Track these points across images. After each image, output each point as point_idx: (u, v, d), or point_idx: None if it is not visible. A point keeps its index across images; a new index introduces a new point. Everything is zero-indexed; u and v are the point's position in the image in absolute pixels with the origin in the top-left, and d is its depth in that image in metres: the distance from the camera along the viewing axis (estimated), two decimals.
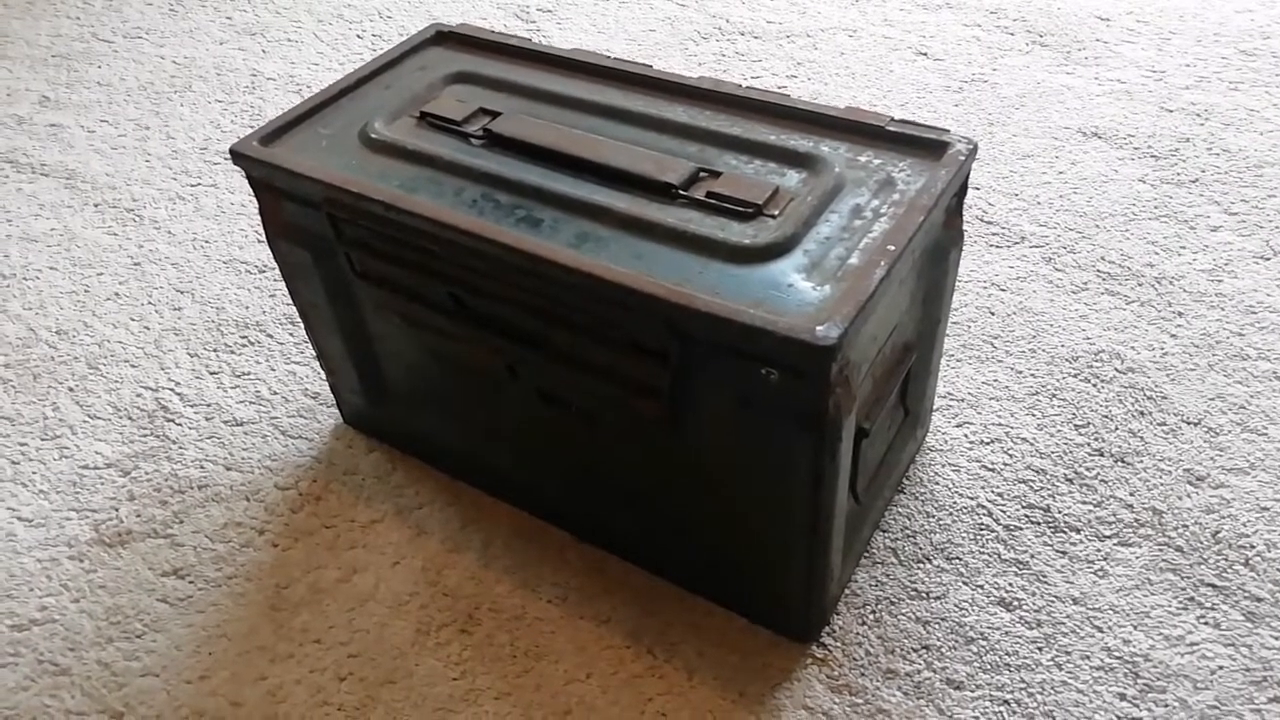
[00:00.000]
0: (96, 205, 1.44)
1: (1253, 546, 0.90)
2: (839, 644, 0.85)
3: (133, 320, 1.24)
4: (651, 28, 1.77)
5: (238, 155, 0.85)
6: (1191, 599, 0.86)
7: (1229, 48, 1.58)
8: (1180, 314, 1.13)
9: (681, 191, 0.77)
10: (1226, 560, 0.89)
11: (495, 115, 0.87)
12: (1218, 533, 0.91)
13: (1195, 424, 1.01)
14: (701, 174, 0.79)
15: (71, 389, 1.15)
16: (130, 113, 1.64)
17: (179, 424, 1.10)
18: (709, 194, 0.76)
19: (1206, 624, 0.84)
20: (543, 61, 0.95)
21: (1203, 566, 0.89)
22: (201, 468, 1.05)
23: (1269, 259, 1.19)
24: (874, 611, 0.87)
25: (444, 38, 1.00)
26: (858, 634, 0.86)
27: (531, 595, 0.90)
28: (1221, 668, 0.82)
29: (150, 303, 1.26)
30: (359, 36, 1.81)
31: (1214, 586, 0.87)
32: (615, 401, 0.78)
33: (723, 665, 0.84)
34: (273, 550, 0.96)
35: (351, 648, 0.88)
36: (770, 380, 0.67)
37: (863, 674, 0.83)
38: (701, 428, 0.75)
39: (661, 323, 0.70)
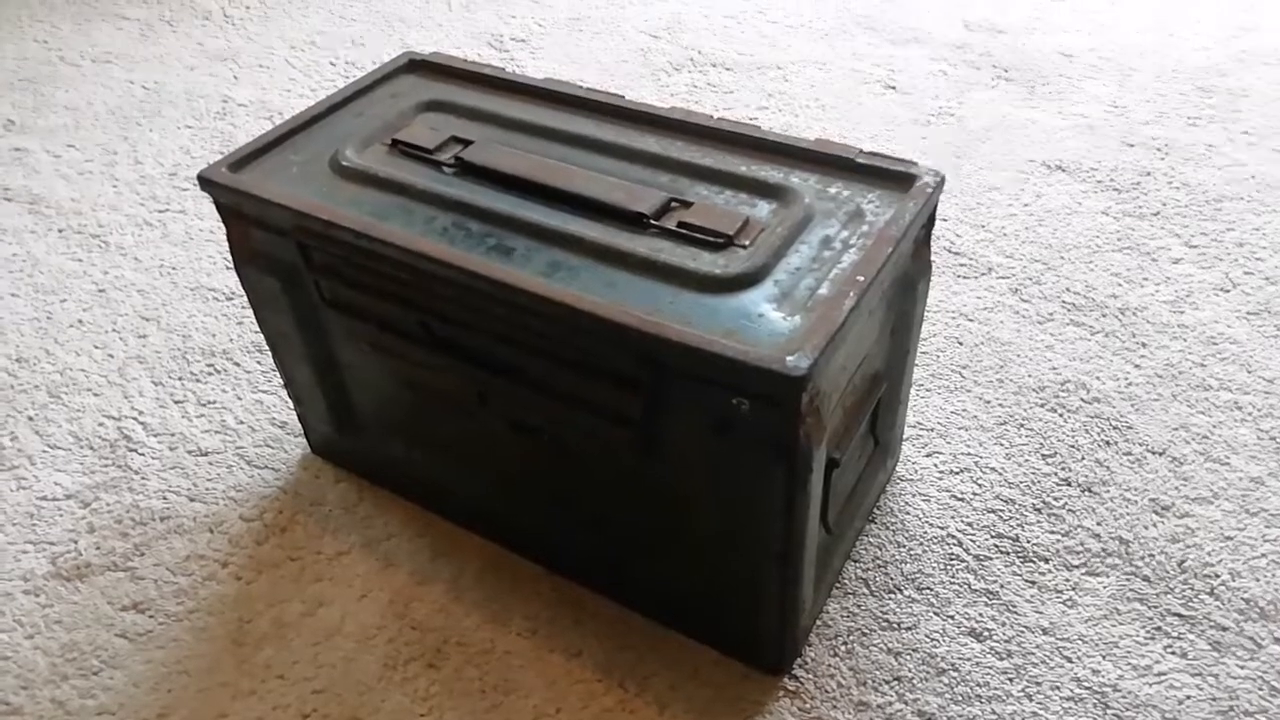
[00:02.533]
0: (61, 231, 1.42)
1: (1217, 575, 0.91)
2: (811, 676, 0.85)
3: (96, 348, 1.22)
4: (624, 58, 1.78)
5: (206, 181, 0.85)
6: (1159, 628, 0.87)
7: (1187, 84, 1.62)
8: (1144, 345, 1.15)
9: (653, 221, 0.77)
10: (1192, 590, 0.90)
11: (467, 144, 0.87)
12: (1183, 562, 0.92)
13: (1160, 454, 1.02)
14: (673, 204, 0.79)
15: (31, 418, 1.13)
16: (98, 137, 1.62)
17: (141, 454, 1.07)
18: (680, 224, 0.76)
19: (1174, 653, 0.85)
20: (515, 91, 0.95)
21: (1169, 596, 0.89)
22: (164, 499, 1.02)
23: (1228, 291, 1.21)
24: (846, 643, 0.87)
25: (417, 66, 1.00)
26: (829, 665, 0.85)
27: (501, 628, 0.89)
28: (1189, 697, 0.82)
29: (114, 330, 1.24)
30: (332, 64, 1.81)
31: (1180, 616, 0.88)
32: (586, 431, 0.78)
33: (695, 699, 0.83)
34: (236, 583, 0.94)
35: (316, 683, 0.86)
36: (741, 410, 0.67)
37: (834, 706, 0.82)
38: (673, 457, 0.74)
39: (633, 352, 0.70)
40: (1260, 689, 0.82)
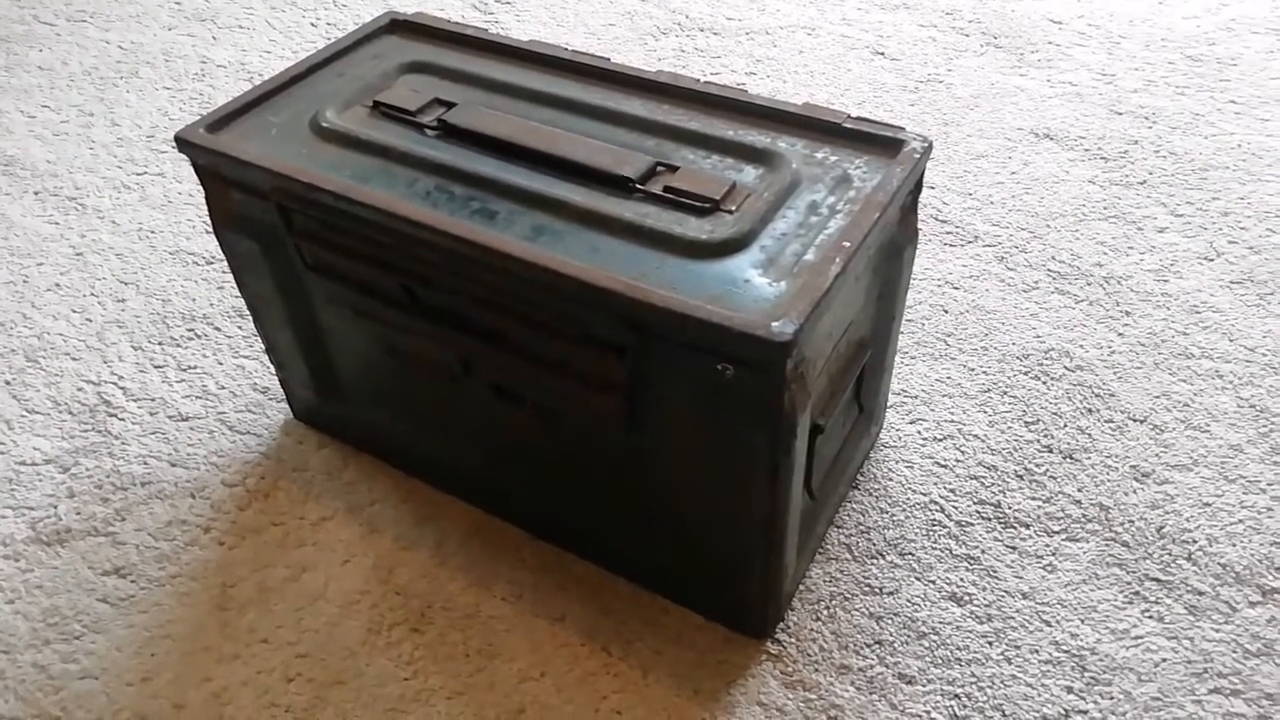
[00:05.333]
0: (37, 193, 1.39)
1: (1195, 541, 0.92)
2: (793, 640, 0.85)
3: (74, 312, 1.20)
4: (611, 22, 1.76)
5: (184, 143, 0.83)
6: (1136, 593, 0.88)
7: (1176, 53, 1.61)
8: (1128, 313, 1.15)
9: (639, 185, 0.76)
10: (1170, 555, 0.91)
11: (450, 106, 0.86)
12: (1162, 528, 0.93)
13: (1141, 421, 1.03)
14: (659, 168, 0.78)
15: (8, 382, 1.11)
16: (73, 98, 1.59)
17: (121, 419, 1.06)
18: (666, 188, 0.76)
19: (1151, 617, 0.86)
20: (499, 52, 0.94)
21: (1147, 561, 0.90)
22: (145, 464, 1.02)
23: (1212, 260, 1.22)
24: (828, 607, 0.88)
25: (399, 26, 0.98)
26: (812, 630, 0.86)
27: (485, 593, 0.89)
28: (1165, 660, 0.83)
29: (93, 294, 1.22)
30: (313, 24, 1.77)
31: (1158, 581, 0.89)
32: (570, 397, 0.78)
33: (678, 662, 0.84)
34: (219, 548, 0.94)
35: (300, 648, 0.86)
36: (726, 376, 0.67)
37: (816, 669, 0.83)
38: (657, 423, 0.74)
39: (618, 318, 0.69)
40: (1234, 651, 0.83)
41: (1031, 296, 1.18)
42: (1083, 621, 0.86)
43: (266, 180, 0.80)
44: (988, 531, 0.93)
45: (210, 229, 1.31)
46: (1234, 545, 0.91)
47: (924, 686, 0.82)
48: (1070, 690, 0.81)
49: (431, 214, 0.75)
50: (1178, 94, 1.51)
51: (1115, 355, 1.10)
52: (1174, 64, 1.59)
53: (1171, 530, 0.93)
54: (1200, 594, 0.88)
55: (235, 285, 1.21)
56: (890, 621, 0.86)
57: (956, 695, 0.81)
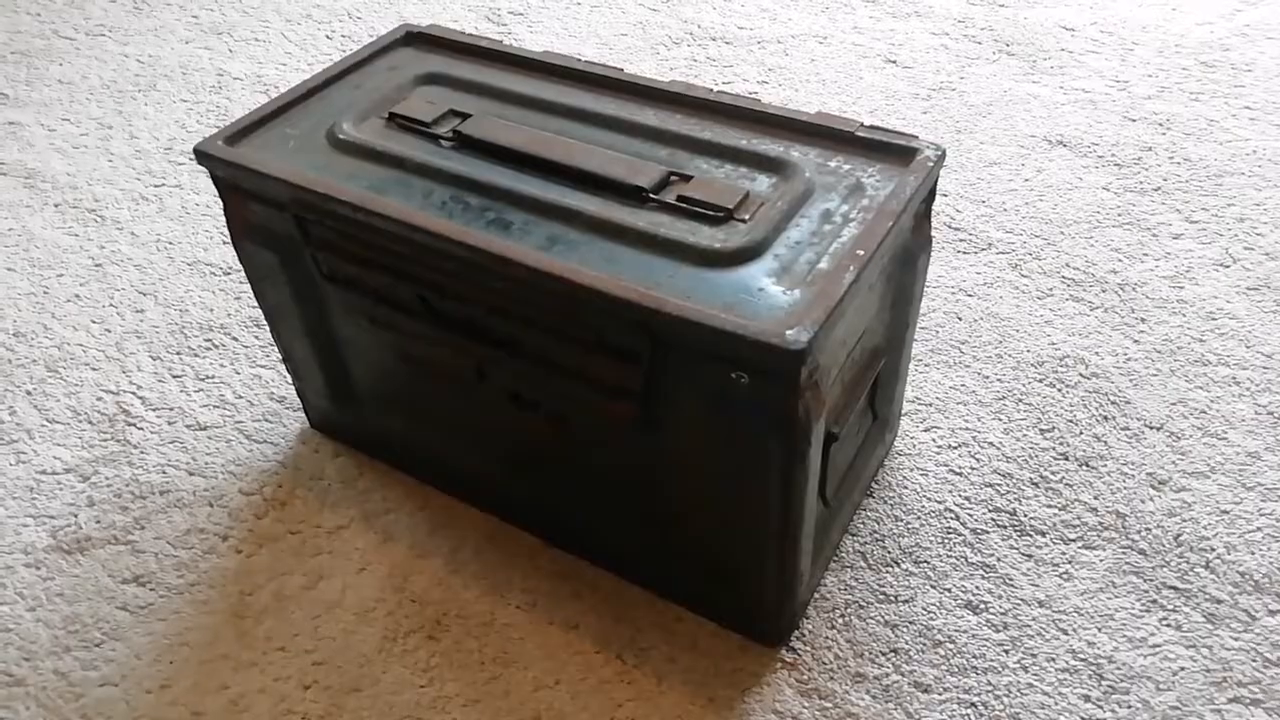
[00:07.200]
0: (57, 205, 1.41)
1: (1213, 549, 0.91)
2: (808, 648, 0.85)
3: (94, 323, 1.21)
4: (623, 32, 1.77)
5: (202, 155, 0.84)
6: (1154, 601, 0.87)
7: (1189, 59, 1.61)
8: (1143, 320, 1.15)
9: (652, 195, 0.77)
10: (1188, 563, 0.90)
11: (465, 117, 0.86)
12: (1179, 536, 0.92)
13: (1157, 428, 1.02)
14: (672, 178, 0.79)
15: (29, 392, 1.13)
16: (93, 111, 1.61)
17: (140, 428, 1.08)
18: (680, 198, 0.76)
19: (1168, 626, 0.86)
20: (513, 64, 0.95)
21: (1165, 569, 0.90)
22: (163, 473, 1.03)
23: (1228, 266, 1.21)
24: (843, 615, 0.87)
25: (414, 39, 0.99)
26: (827, 638, 0.86)
27: (500, 601, 0.90)
28: (1183, 669, 0.83)
29: (112, 305, 1.24)
30: (328, 37, 1.79)
31: (1176, 589, 0.88)
32: (585, 405, 0.78)
33: (692, 670, 0.84)
34: (236, 556, 0.95)
35: (316, 655, 0.86)
36: (740, 384, 0.68)
37: (832, 678, 0.83)
38: (671, 431, 0.75)
39: (632, 326, 0.70)
40: (1254, 660, 0.83)
41: (1046, 304, 1.17)
42: (1100, 630, 0.85)
43: (284, 192, 0.81)
44: (1003, 539, 0.93)
45: (228, 240, 1.33)
46: (1253, 553, 0.90)
47: (940, 695, 0.82)
48: (1088, 699, 0.81)
49: (447, 224, 0.75)
50: (1192, 100, 1.51)
51: (1131, 362, 1.09)
52: (1188, 70, 1.58)
53: (1189, 538, 0.92)
54: (1219, 602, 0.87)
55: (252, 295, 1.22)
56: (906, 630, 0.86)
57: (973, 704, 0.81)
